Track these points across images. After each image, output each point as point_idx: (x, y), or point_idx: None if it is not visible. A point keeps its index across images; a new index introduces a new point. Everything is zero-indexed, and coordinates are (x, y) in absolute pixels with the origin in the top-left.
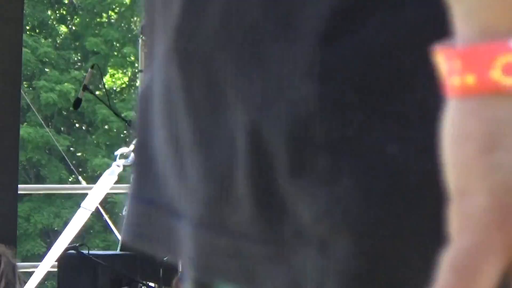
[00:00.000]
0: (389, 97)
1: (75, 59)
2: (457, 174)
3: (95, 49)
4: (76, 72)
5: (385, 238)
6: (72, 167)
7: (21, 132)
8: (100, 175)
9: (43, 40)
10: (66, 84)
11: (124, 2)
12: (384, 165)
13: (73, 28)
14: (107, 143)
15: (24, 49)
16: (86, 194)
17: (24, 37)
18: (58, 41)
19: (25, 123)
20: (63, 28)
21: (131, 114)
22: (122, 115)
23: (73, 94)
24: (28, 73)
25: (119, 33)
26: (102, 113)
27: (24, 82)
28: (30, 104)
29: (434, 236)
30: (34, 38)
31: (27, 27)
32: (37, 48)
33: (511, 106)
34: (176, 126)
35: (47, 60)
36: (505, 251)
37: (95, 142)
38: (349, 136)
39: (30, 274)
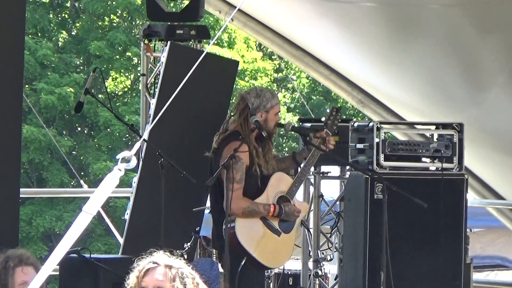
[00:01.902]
0: None
1: (77, 62)
2: None
3: (97, 53)
4: (76, 75)
5: None
6: (74, 171)
7: (23, 131)
8: (102, 178)
9: (43, 42)
10: (64, 87)
11: (127, 6)
12: None
13: (75, 31)
14: (109, 146)
15: (25, 52)
16: (88, 198)
17: (26, 40)
18: (59, 45)
19: (27, 126)
20: (64, 32)
21: (133, 118)
22: (126, 119)
23: (72, 97)
24: (29, 75)
25: (122, 37)
26: (104, 116)
27: (28, 86)
28: (32, 107)
29: None
30: (34, 40)
31: (29, 31)
32: (37, 50)
33: None
34: None
35: (48, 63)
36: None
37: (96, 145)
38: None
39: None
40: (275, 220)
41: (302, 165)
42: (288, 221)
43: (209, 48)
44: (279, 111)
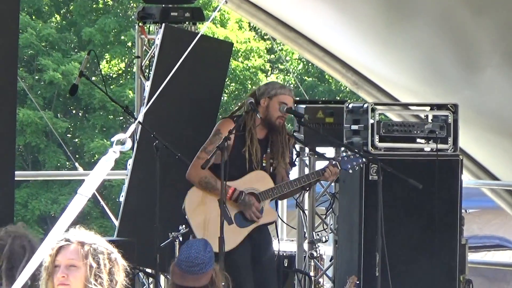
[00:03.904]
0: None
1: (71, 45)
2: None
3: (92, 36)
4: (78, 55)
5: None
6: (69, 154)
7: (20, 114)
8: (97, 159)
9: (41, 24)
10: (69, 64)
11: None
12: None
13: (69, 14)
14: (104, 128)
15: (30, 31)
16: (83, 180)
17: (28, 19)
18: (55, 27)
19: (23, 109)
20: (58, 17)
21: (126, 100)
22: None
23: (75, 75)
24: (24, 57)
25: (112, 24)
26: (98, 97)
27: (21, 68)
28: (27, 91)
29: None
30: (36, 22)
31: (25, 13)
32: (41, 31)
33: None
34: None
35: (48, 43)
36: None
37: (91, 125)
38: None
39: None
40: (234, 208)
41: (292, 179)
42: (245, 217)
43: (204, 30)
44: (287, 104)
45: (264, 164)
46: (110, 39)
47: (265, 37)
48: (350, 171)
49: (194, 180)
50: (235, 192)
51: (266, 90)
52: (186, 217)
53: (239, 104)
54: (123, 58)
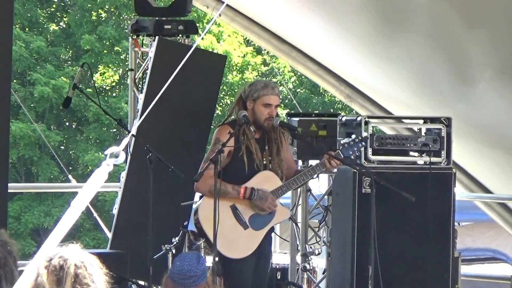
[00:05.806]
0: None
1: (66, 57)
2: None
3: (87, 47)
4: (69, 68)
5: None
6: (62, 165)
7: (12, 127)
8: (91, 172)
9: (34, 37)
10: (59, 79)
11: (114, 1)
12: None
13: (64, 26)
14: (98, 140)
15: (19, 44)
16: (76, 193)
17: (18, 32)
18: (48, 39)
19: (15, 123)
20: (54, 26)
21: (121, 112)
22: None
23: (66, 89)
24: (17, 70)
25: (112, 32)
26: (93, 110)
27: (15, 80)
28: (21, 104)
29: None
30: (28, 34)
31: (17, 26)
32: (31, 43)
33: None
34: None
35: (39, 56)
36: None
37: (84, 138)
38: None
39: (20, 273)
40: (247, 212)
41: (298, 174)
42: (261, 215)
43: (197, 43)
44: (271, 104)
45: (264, 162)
46: (106, 49)
47: (262, 51)
48: (352, 156)
49: (204, 191)
50: (247, 190)
51: (250, 92)
52: (202, 228)
53: (227, 112)
54: (117, 70)
